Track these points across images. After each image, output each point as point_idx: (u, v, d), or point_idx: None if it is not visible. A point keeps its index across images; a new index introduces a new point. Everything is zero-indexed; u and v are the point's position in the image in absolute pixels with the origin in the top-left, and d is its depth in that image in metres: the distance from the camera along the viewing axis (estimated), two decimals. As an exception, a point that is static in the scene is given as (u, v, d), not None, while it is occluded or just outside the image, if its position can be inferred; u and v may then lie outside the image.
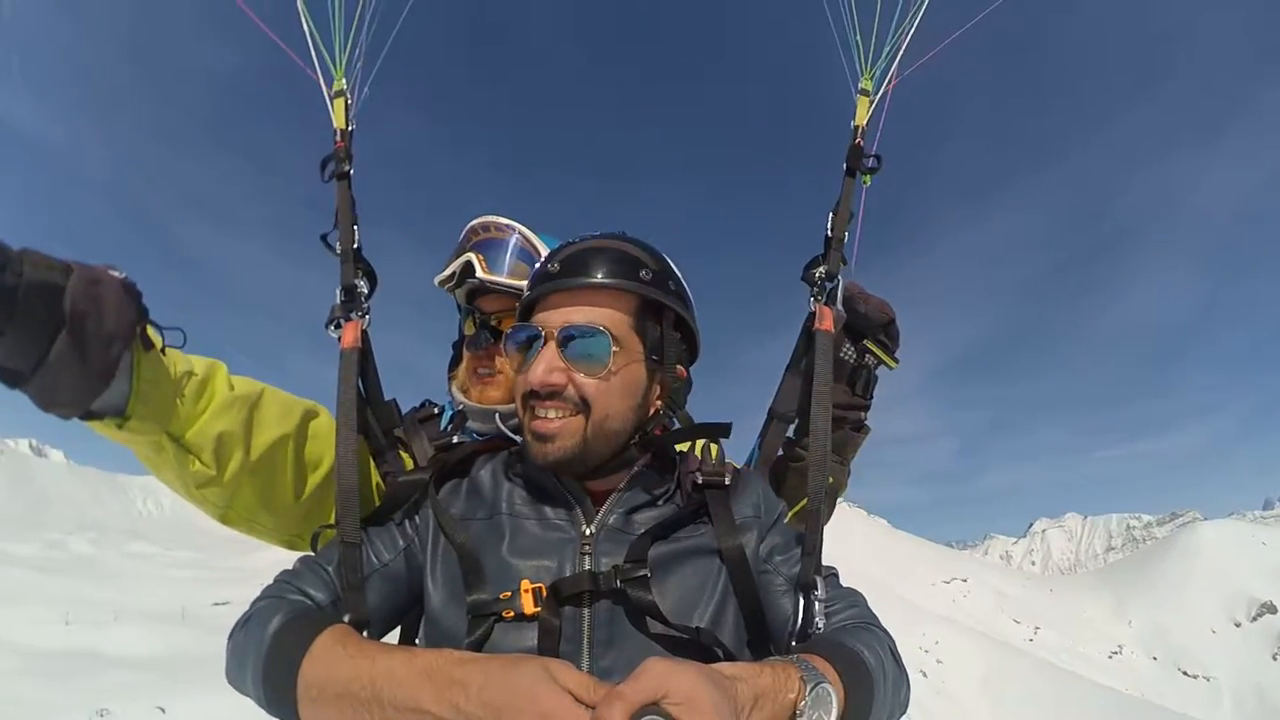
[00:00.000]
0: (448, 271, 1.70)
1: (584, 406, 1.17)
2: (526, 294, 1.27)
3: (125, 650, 30.62)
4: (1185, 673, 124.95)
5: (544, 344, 1.17)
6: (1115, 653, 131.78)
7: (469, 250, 1.67)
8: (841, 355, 1.63)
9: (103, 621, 35.45)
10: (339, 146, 1.53)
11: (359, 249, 1.47)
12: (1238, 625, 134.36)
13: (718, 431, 1.34)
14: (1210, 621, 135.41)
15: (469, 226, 1.73)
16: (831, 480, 1.59)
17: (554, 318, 1.18)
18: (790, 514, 1.50)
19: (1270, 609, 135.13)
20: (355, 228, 1.48)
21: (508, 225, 1.70)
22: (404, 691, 0.87)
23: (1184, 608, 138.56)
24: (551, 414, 1.16)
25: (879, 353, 1.65)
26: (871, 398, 1.67)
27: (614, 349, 1.17)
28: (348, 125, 1.56)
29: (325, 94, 1.59)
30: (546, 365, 1.15)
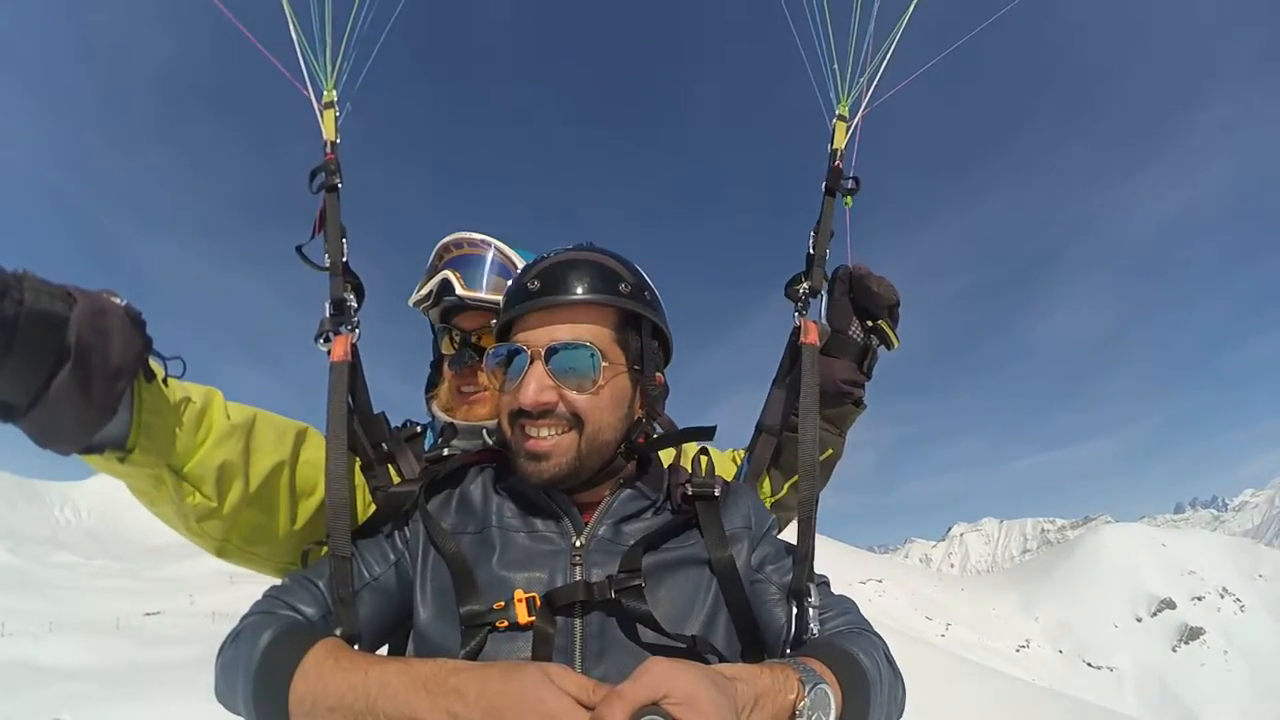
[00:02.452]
0: (424, 291, 1.68)
1: (577, 422, 1.16)
2: (504, 312, 1.25)
3: (65, 661, 30.47)
4: (1090, 664, 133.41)
5: (530, 363, 1.16)
6: (1023, 646, 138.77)
7: (444, 268, 1.64)
8: (850, 334, 1.70)
9: (38, 633, 34.98)
10: (329, 159, 1.51)
11: (347, 262, 1.46)
12: (1139, 620, 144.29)
13: (702, 435, 1.33)
14: (1113, 617, 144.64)
15: (441, 244, 1.70)
16: (830, 452, 1.72)
17: (538, 336, 1.18)
18: (785, 487, 1.61)
19: (1170, 605, 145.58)
20: (344, 240, 1.47)
21: (482, 240, 1.67)
22: (399, 702, 0.85)
23: (1088, 604, 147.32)
24: (544, 432, 1.16)
25: (890, 332, 1.70)
26: (871, 375, 1.75)
27: (602, 364, 1.16)
28: (337, 137, 1.55)
29: (315, 106, 1.57)
30: (537, 384, 1.13)
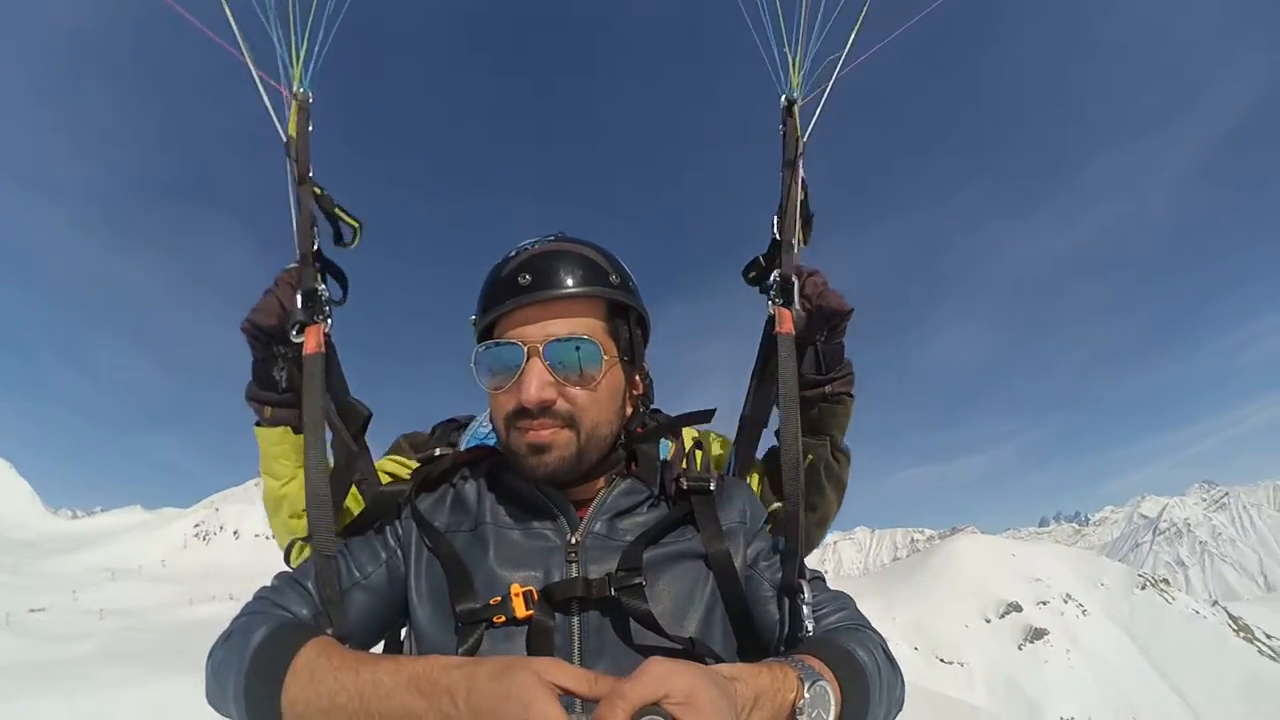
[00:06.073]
0: None
1: (574, 420, 1.15)
2: (490, 310, 1.21)
3: (-42, 660, 31.59)
4: (942, 660, 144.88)
5: (528, 360, 1.13)
6: None
7: None
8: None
9: (-77, 633, 35.49)
10: (297, 151, 1.45)
11: (319, 250, 1.43)
12: (988, 621, 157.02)
13: (701, 418, 1.33)
14: (964, 618, 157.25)
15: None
16: (810, 458, 1.58)
17: (533, 332, 1.15)
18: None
19: (1017, 608, 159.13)
20: (314, 229, 1.42)
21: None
22: (393, 702, 0.84)
23: (942, 607, 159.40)
24: (545, 432, 1.14)
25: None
26: (835, 370, 1.58)
27: (604, 356, 1.15)
28: (307, 127, 1.48)
29: (281, 97, 1.49)
30: (539, 381, 1.12)
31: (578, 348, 1.13)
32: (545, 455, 1.14)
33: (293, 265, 1.43)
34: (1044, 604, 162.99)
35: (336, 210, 1.46)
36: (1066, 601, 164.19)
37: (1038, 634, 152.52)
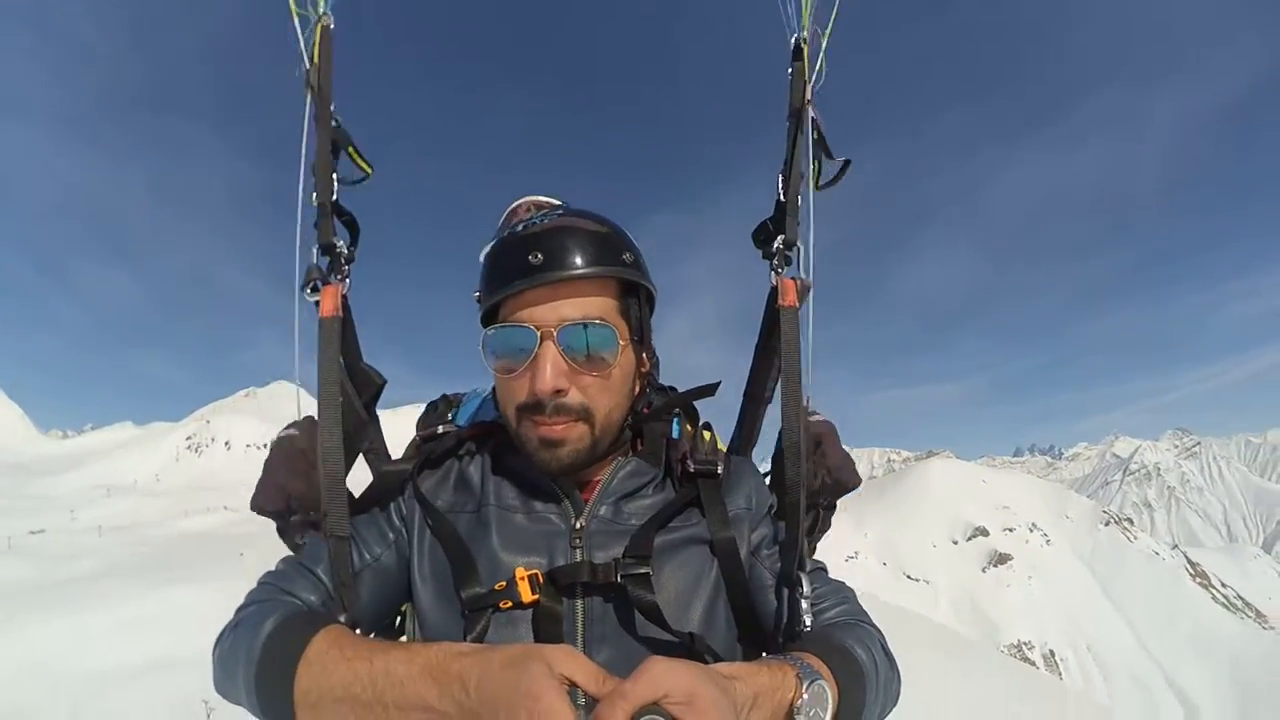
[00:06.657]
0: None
1: (588, 412, 1.09)
2: (498, 289, 1.10)
3: (-37, 579, 32.76)
4: (909, 576, 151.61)
5: (541, 344, 1.05)
6: (851, 557, 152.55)
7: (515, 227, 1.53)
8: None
9: (-79, 553, 36.59)
10: (319, 85, 1.27)
11: (338, 201, 1.28)
12: (955, 543, 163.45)
13: (705, 393, 1.28)
14: (932, 538, 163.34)
15: (511, 208, 1.59)
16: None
17: (544, 314, 1.06)
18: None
19: (983, 532, 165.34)
20: (334, 177, 1.27)
21: (549, 202, 1.56)
22: (407, 690, 0.83)
23: (912, 526, 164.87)
24: (559, 427, 1.07)
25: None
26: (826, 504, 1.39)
27: (620, 341, 1.09)
28: (329, 60, 1.29)
29: (297, 21, 1.27)
30: (553, 369, 1.04)
31: (592, 330, 1.07)
32: (559, 450, 1.09)
33: (292, 428, 1.28)
34: (1010, 531, 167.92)
35: (351, 150, 1.31)
36: (1032, 531, 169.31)
37: (1002, 559, 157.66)
